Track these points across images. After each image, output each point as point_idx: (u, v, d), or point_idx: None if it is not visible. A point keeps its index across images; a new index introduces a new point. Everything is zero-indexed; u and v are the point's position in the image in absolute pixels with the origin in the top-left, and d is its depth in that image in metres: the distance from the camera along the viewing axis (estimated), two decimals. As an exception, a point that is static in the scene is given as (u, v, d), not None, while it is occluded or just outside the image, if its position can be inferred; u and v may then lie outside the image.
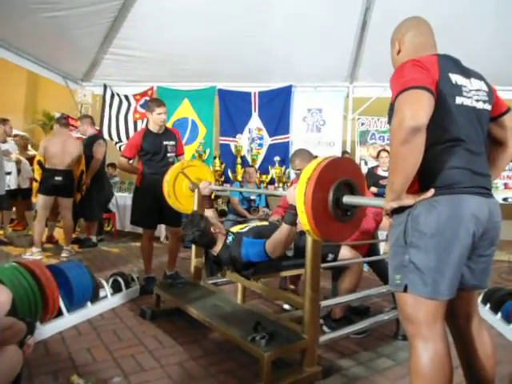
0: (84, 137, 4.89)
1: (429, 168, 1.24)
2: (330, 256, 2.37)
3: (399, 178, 1.20)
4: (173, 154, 3.30)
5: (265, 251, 2.07)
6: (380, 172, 4.72)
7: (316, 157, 2.76)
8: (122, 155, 3.26)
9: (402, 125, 1.13)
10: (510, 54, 4.64)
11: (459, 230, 1.21)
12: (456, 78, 1.29)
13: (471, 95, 1.31)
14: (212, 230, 2.29)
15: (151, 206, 3.14)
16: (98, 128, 6.10)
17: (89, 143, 4.66)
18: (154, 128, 3.21)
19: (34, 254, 4.04)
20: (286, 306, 2.82)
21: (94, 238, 4.87)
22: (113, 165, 6.26)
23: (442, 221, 1.21)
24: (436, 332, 1.25)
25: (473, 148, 1.27)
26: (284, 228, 2.00)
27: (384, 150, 4.89)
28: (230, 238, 2.29)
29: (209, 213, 2.69)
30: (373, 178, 4.67)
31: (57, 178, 4.17)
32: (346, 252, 2.41)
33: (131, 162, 3.34)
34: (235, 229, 2.42)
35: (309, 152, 2.82)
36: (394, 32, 1.49)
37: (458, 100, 1.27)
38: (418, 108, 1.14)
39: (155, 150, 3.19)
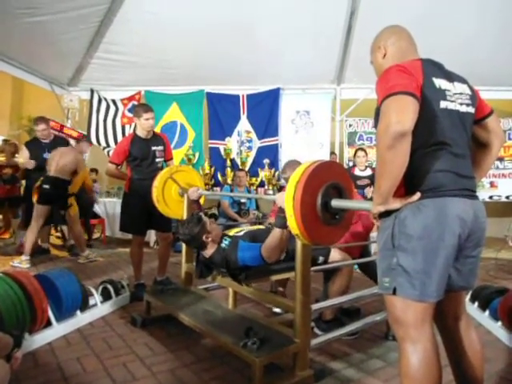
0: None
1: (415, 172, 1.25)
2: (321, 259, 2.38)
3: (386, 182, 1.21)
4: (161, 159, 3.28)
5: (261, 255, 2.07)
6: (357, 172, 4.71)
7: None
8: (109, 161, 3.24)
9: (387, 130, 1.15)
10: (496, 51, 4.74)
11: (445, 232, 1.23)
12: (440, 83, 1.31)
13: (455, 99, 1.33)
14: (204, 237, 2.28)
15: (140, 211, 3.11)
16: (85, 133, 6.07)
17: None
18: (141, 133, 3.19)
19: (22, 262, 3.98)
20: (277, 310, 2.82)
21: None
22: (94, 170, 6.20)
23: (428, 223, 1.23)
24: (424, 333, 1.26)
25: (457, 151, 1.29)
26: (276, 232, 2.00)
27: (361, 149, 4.87)
28: (225, 242, 2.29)
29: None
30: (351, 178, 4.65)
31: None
32: (336, 254, 2.43)
33: (119, 167, 3.32)
34: (231, 232, 2.42)
35: (298, 162, 2.78)
36: (375, 39, 1.51)
37: (442, 104, 1.29)
38: (404, 113, 1.16)
39: (143, 156, 3.17)
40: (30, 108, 7.82)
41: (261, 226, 2.64)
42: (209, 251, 2.31)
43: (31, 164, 4.28)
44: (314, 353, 2.13)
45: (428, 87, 1.26)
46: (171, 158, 3.46)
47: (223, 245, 2.28)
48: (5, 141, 5.81)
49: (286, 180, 2.74)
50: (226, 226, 4.03)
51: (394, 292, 1.27)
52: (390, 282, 1.28)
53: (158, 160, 3.24)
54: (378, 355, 2.19)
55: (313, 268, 2.01)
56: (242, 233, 2.40)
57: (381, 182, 1.22)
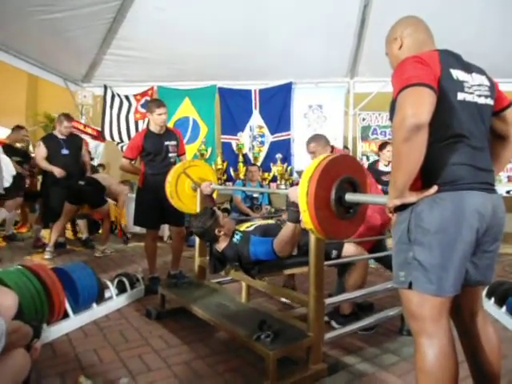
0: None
1: (431, 165, 1.23)
2: (334, 253, 2.38)
3: (402, 175, 1.19)
4: (174, 154, 3.30)
5: (273, 250, 2.08)
6: (381, 167, 4.62)
7: (332, 146, 2.78)
8: (123, 156, 3.28)
9: (403, 123, 1.13)
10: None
11: (462, 226, 1.21)
12: (457, 74, 1.28)
13: (473, 90, 1.30)
14: (216, 231, 2.29)
15: (154, 206, 3.15)
16: (99, 129, 6.13)
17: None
18: (154, 128, 3.22)
19: (46, 253, 4.16)
20: (285, 300, 2.82)
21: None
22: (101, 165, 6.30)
23: (445, 217, 1.21)
24: (441, 328, 1.25)
25: (475, 144, 1.27)
26: (288, 226, 2.00)
27: (388, 143, 4.72)
28: (237, 237, 2.30)
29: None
30: (374, 173, 4.58)
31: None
32: (350, 248, 2.41)
33: (134, 162, 3.36)
34: (242, 227, 2.43)
35: (325, 138, 2.82)
36: (391, 30, 1.49)
37: (460, 96, 1.26)
38: (420, 105, 1.14)
39: (157, 151, 3.20)
40: (45, 104, 7.94)
41: (270, 221, 2.64)
42: (221, 245, 2.32)
43: (61, 173, 4.25)
44: (328, 347, 2.13)
45: (445, 79, 1.24)
46: (184, 153, 3.48)
47: (235, 239, 2.30)
48: None
49: (309, 153, 2.74)
50: (238, 221, 4.05)
51: (410, 286, 1.26)
52: (405, 276, 1.27)
53: (171, 155, 3.26)
54: (393, 350, 2.18)
55: (326, 262, 2.00)
56: (252, 227, 2.40)
57: (397, 176, 1.21)
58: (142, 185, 3.26)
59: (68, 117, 4.46)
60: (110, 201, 4.92)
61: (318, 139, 2.77)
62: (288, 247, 2.06)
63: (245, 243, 2.20)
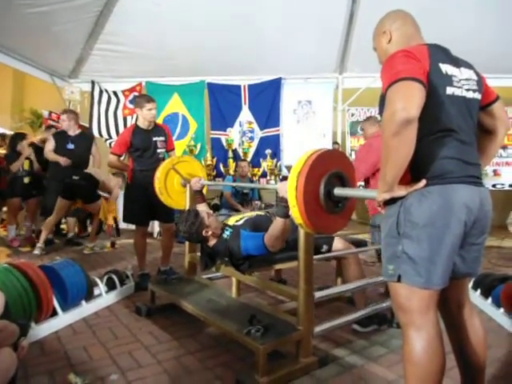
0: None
1: (420, 159, 1.24)
2: (325, 247, 2.39)
3: (391, 169, 1.20)
4: (163, 150, 3.27)
5: (264, 245, 2.08)
6: None
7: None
8: (111, 152, 3.24)
9: (393, 117, 1.13)
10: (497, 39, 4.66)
11: (451, 219, 1.22)
12: (446, 68, 1.29)
13: (461, 85, 1.31)
14: (204, 232, 2.28)
15: (143, 202, 3.12)
16: (87, 125, 6.05)
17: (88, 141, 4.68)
18: (143, 124, 3.19)
19: (36, 249, 4.17)
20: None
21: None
22: None
23: (433, 211, 1.22)
24: (429, 320, 1.26)
25: (463, 138, 1.28)
26: (278, 221, 2.00)
27: None
28: (227, 232, 2.29)
29: (201, 208, 2.69)
30: None
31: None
32: (338, 244, 2.43)
33: (123, 158, 3.32)
34: (231, 221, 2.42)
35: (373, 118, 3.36)
36: (379, 23, 1.49)
37: (449, 90, 1.27)
38: (410, 100, 1.14)
39: (145, 147, 3.17)
40: (32, 101, 7.80)
41: (260, 213, 2.64)
42: (211, 242, 2.32)
43: (67, 161, 4.28)
44: (317, 340, 2.15)
45: (434, 73, 1.24)
46: (173, 149, 3.45)
47: (225, 235, 2.29)
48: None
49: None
50: (228, 216, 4.04)
51: (399, 279, 1.27)
52: (394, 269, 1.28)
53: (159, 151, 3.24)
54: (381, 342, 2.21)
55: (316, 257, 2.01)
56: (241, 221, 2.40)
57: (386, 170, 1.21)
58: (131, 181, 3.23)
59: (65, 111, 4.53)
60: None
61: (367, 119, 3.45)
62: (279, 242, 2.07)
63: (235, 238, 2.20)
